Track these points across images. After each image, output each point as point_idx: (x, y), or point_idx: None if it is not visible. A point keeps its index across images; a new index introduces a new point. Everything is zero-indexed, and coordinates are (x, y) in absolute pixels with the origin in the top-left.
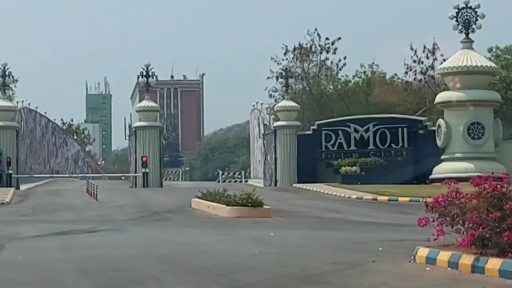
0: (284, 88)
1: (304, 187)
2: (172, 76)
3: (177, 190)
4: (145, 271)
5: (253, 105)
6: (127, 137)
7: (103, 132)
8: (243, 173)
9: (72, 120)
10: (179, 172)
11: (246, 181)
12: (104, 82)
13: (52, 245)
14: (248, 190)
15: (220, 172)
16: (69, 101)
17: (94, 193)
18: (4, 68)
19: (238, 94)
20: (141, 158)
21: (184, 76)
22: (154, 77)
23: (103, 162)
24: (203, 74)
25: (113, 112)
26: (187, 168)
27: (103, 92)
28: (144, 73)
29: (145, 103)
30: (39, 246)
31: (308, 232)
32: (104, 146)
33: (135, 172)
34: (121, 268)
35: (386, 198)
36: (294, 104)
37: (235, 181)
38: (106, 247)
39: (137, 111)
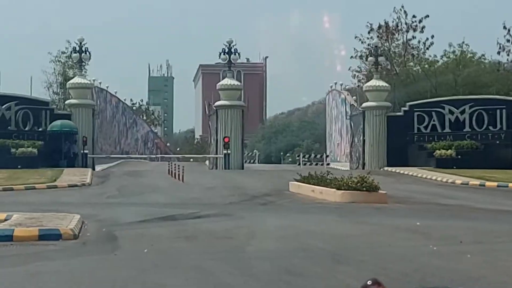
0: (374, 67)
1: (396, 171)
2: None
3: (262, 173)
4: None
5: (331, 86)
6: (208, 117)
7: (165, 114)
8: (325, 156)
9: (142, 101)
10: (255, 154)
11: (328, 164)
12: (166, 64)
13: (169, 234)
14: (360, 173)
15: (301, 155)
16: (131, 83)
17: (179, 174)
18: (80, 43)
19: (300, 78)
20: (223, 138)
21: (247, 59)
22: (237, 54)
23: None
24: (266, 57)
25: (175, 95)
26: (255, 151)
27: (165, 75)
28: (226, 50)
29: (227, 81)
30: (155, 234)
31: (459, 222)
32: (165, 128)
33: (216, 153)
34: (295, 273)
35: (495, 184)
36: (384, 83)
37: (316, 164)
38: (238, 238)
39: (219, 90)
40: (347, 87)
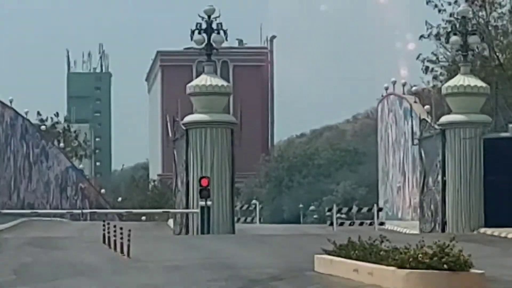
0: (460, 53)
1: (502, 235)
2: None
3: (267, 240)
4: None
5: (386, 88)
6: (172, 142)
7: (97, 139)
8: (376, 209)
9: (57, 115)
10: (255, 206)
11: (382, 224)
12: (99, 52)
13: None
14: (438, 239)
15: (334, 208)
16: (39, 85)
17: (122, 243)
18: None
19: (331, 74)
20: (199, 180)
21: (240, 41)
22: (221, 31)
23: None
24: (273, 37)
25: (114, 104)
26: (254, 202)
27: (96, 69)
28: (204, 26)
29: (206, 79)
30: None
31: None
32: (98, 163)
33: (186, 206)
34: None
35: None
36: (479, 82)
37: (361, 224)
38: None
39: (190, 95)
40: (414, 88)
